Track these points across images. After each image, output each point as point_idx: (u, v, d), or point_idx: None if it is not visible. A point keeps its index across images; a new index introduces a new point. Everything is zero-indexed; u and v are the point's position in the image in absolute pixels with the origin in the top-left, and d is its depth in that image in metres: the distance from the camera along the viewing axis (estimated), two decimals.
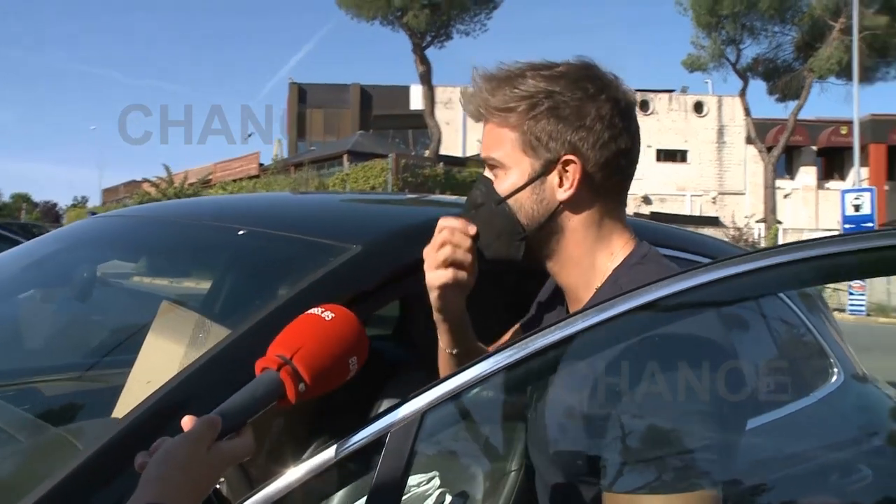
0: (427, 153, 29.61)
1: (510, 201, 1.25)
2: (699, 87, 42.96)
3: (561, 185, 1.23)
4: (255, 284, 1.96)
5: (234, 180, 29.37)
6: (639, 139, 1.29)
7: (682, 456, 1.04)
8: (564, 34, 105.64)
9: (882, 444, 2.24)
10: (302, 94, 40.91)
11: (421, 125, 33.16)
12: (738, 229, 30.50)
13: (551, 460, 1.22)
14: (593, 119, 1.22)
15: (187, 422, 0.91)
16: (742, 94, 35.34)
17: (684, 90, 40.80)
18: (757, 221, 33.71)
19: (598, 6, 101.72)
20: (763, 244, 28.81)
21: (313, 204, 2.24)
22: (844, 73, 30.99)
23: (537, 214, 1.24)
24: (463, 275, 1.26)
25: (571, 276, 1.28)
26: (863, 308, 18.51)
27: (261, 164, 31.47)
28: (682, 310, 0.97)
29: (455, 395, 0.92)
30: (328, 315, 1.01)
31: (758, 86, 36.23)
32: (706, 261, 1.55)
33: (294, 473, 0.96)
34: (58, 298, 2.35)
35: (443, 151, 30.07)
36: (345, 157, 28.71)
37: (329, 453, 0.95)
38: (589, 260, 1.26)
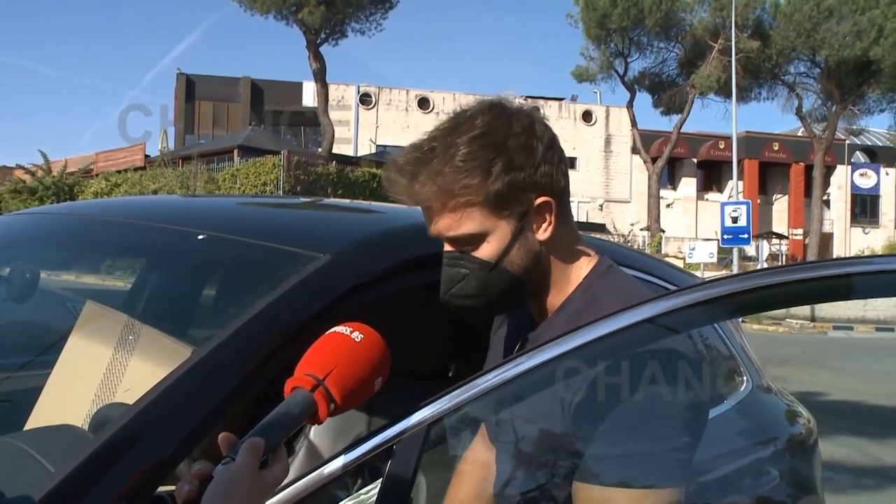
0: (319, 151, 29.25)
1: (503, 262, 1.24)
2: (588, 96, 44.17)
3: (538, 228, 1.26)
4: (219, 291, 1.91)
5: (119, 171, 28.13)
6: None
7: (653, 455, 1.11)
8: (458, 37, 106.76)
9: (784, 447, 2.39)
10: (190, 86, 39.67)
11: (313, 122, 32.77)
12: (623, 236, 31.56)
13: (524, 457, 1.29)
14: (542, 155, 1.24)
15: (224, 439, 0.90)
16: (629, 105, 36.62)
17: (574, 99, 41.99)
18: (641, 229, 34.96)
19: (491, 12, 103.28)
20: (648, 251, 29.91)
21: (277, 210, 2.19)
22: (723, 90, 32.67)
23: (526, 262, 1.26)
24: None
25: (548, 294, 1.32)
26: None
27: (147, 156, 30.32)
28: (661, 328, 1.03)
29: (458, 408, 0.95)
30: (357, 336, 1.02)
31: (644, 98, 37.68)
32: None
33: (303, 483, 0.96)
34: None
35: (335, 150, 29.79)
36: (235, 152, 28.03)
37: (337, 463, 0.96)
38: (564, 277, 1.31)
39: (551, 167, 1.25)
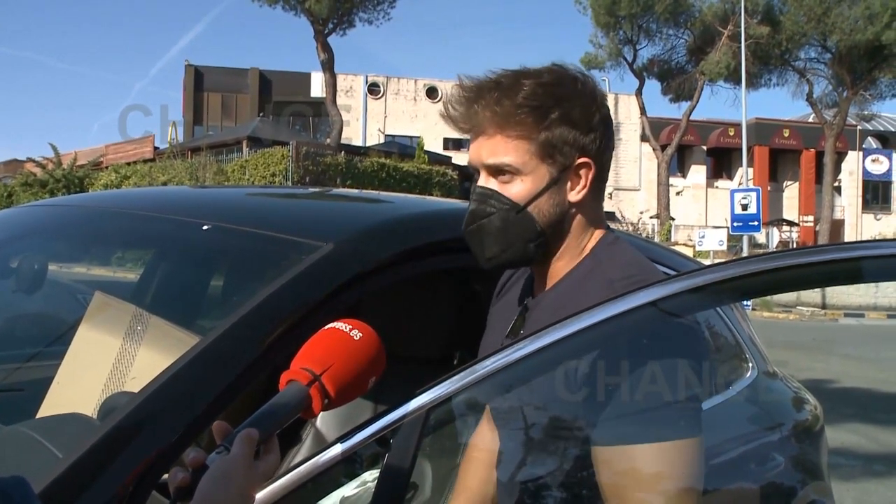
0: (328, 141, 29.24)
1: (529, 207, 1.27)
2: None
3: (573, 187, 1.29)
4: (225, 281, 1.92)
5: (128, 163, 28.18)
6: None
7: (671, 407, 1.12)
8: (466, 25, 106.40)
9: (790, 433, 2.40)
10: (198, 77, 39.72)
11: (322, 113, 32.78)
12: (633, 225, 31.47)
13: (532, 438, 1.30)
14: (597, 123, 1.29)
15: (218, 428, 0.91)
16: (638, 93, 36.44)
17: None
18: (651, 217, 34.86)
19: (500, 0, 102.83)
20: (657, 239, 29.82)
21: (282, 200, 2.21)
22: (732, 77, 32.44)
23: (553, 217, 1.29)
24: None
25: (560, 262, 1.34)
26: (748, 304, 19.42)
27: (156, 148, 30.36)
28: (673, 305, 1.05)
29: (457, 393, 0.96)
30: (356, 334, 1.02)
31: (653, 86, 37.54)
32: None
33: (302, 469, 0.97)
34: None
35: (343, 140, 29.79)
36: (244, 143, 28.04)
37: (336, 449, 0.97)
38: (577, 246, 1.34)
39: (601, 137, 1.30)
